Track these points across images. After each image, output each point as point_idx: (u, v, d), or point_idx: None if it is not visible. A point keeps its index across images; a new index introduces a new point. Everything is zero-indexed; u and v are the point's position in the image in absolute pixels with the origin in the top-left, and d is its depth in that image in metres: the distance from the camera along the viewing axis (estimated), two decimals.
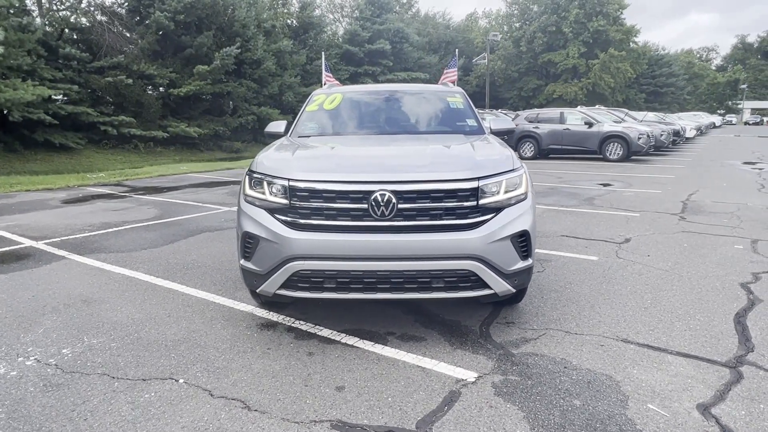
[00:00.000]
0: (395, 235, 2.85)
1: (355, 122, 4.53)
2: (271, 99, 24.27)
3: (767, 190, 9.38)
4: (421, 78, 34.89)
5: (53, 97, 16.65)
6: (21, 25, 14.70)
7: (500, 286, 2.94)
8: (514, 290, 3.05)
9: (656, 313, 3.59)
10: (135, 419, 2.37)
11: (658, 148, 18.19)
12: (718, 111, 70.35)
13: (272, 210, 3.03)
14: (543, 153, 17.06)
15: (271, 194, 3.06)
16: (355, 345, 3.12)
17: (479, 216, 2.93)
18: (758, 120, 68.22)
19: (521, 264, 3.03)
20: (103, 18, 19.68)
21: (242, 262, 3.18)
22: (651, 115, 24.60)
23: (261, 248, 3.01)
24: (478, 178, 2.95)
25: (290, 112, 23.59)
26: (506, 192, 3.04)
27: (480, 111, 6.65)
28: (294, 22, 29.61)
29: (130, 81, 18.10)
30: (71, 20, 18.93)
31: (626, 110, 22.60)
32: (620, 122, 16.77)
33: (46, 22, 18.04)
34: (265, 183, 3.10)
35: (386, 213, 2.84)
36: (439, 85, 5.30)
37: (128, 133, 18.26)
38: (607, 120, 16.55)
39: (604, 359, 2.92)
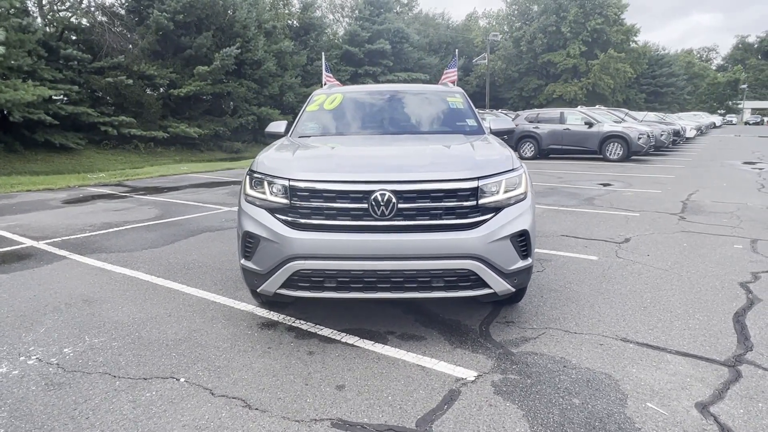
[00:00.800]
0: (395, 234, 2.86)
1: (356, 122, 4.54)
2: (271, 99, 24.29)
3: (767, 190, 9.39)
4: (422, 78, 34.90)
5: (53, 97, 16.67)
6: (21, 25, 14.71)
7: (500, 285, 2.95)
8: (513, 289, 3.06)
9: (655, 313, 3.60)
10: (136, 418, 2.38)
11: (658, 148, 18.19)
12: (719, 111, 70.31)
13: (273, 210, 3.04)
14: (543, 153, 17.07)
15: (271, 194, 3.07)
16: (355, 344, 3.13)
17: (479, 216, 2.94)
18: (758, 120, 68.21)
19: (521, 263, 3.04)
20: (104, 18, 19.72)
21: (243, 261, 3.19)
22: (651, 115, 24.61)
23: (261, 248, 3.02)
24: (478, 178, 2.96)
25: (290, 112, 23.61)
26: (506, 192, 3.05)
27: (480, 111, 6.66)
28: (295, 22, 29.64)
29: (130, 81, 18.12)
30: (71, 21, 18.96)
31: (626, 110, 22.61)
32: (620, 122, 16.77)
33: (47, 23, 18.06)
34: (265, 183, 3.11)
35: (386, 213, 2.85)
36: (439, 86, 5.31)
37: (128, 133, 18.28)
38: (607, 120, 16.55)
39: (604, 358, 2.93)
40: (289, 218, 2.97)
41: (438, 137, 4.11)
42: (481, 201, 2.95)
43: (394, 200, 2.85)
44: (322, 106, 4.68)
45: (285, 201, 3.01)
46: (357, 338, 3.21)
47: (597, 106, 22.64)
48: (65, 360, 2.96)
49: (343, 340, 3.20)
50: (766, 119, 69.88)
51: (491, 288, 2.94)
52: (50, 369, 2.85)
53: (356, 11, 37.08)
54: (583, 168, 13.91)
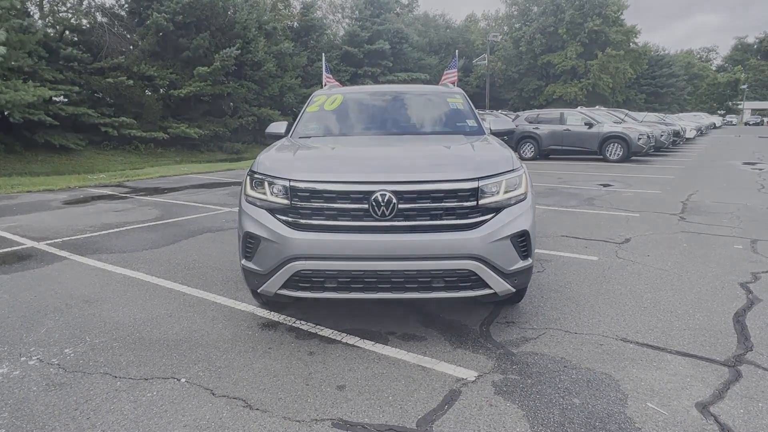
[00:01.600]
0: (396, 235, 2.87)
1: (356, 123, 4.54)
2: (271, 100, 24.32)
3: (767, 190, 9.39)
4: (422, 79, 34.91)
5: (54, 98, 16.69)
6: (22, 26, 14.74)
7: (500, 285, 2.96)
8: (514, 290, 3.06)
9: (655, 313, 3.60)
10: (137, 418, 2.38)
11: (658, 148, 18.20)
12: (719, 111, 70.33)
13: (273, 210, 3.05)
14: (543, 154, 17.07)
15: (272, 194, 3.08)
16: (355, 344, 3.14)
17: (479, 216, 2.94)
18: (759, 120, 68.22)
19: (521, 264, 3.04)
20: (104, 19, 19.76)
21: (243, 262, 3.19)
22: (651, 116, 24.61)
23: (262, 248, 3.03)
24: (478, 179, 2.96)
25: (291, 113, 23.66)
26: (506, 192, 3.05)
27: (480, 112, 6.66)
28: (295, 24, 29.68)
29: (130, 82, 18.16)
30: (72, 22, 18.99)
31: (626, 111, 22.62)
32: (620, 123, 16.78)
33: (47, 24, 18.08)
34: (266, 183, 3.12)
35: (387, 213, 2.85)
36: (439, 86, 5.32)
37: (129, 134, 18.31)
38: (607, 121, 16.56)
39: (604, 358, 2.93)
40: (290, 219, 2.98)
41: (438, 138, 4.12)
42: (482, 201, 2.96)
43: (394, 201, 2.85)
44: (323, 107, 4.69)
45: (285, 201, 3.01)
46: (357, 338, 3.21)
47: (597, 107, 22.67)
48: (66, 360, 2.96)
49: (344, 340, 3.20)
50: (766, 120, 69.89)
51: (491, 288, 2.94)
52: (51, 369, 2.86)
53: (356, 11, 37.08)
54: (583, 168, 13.91)
